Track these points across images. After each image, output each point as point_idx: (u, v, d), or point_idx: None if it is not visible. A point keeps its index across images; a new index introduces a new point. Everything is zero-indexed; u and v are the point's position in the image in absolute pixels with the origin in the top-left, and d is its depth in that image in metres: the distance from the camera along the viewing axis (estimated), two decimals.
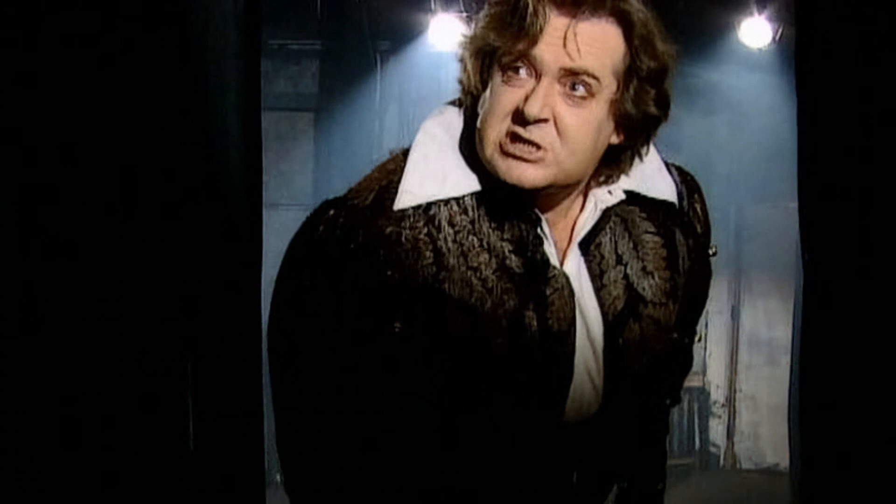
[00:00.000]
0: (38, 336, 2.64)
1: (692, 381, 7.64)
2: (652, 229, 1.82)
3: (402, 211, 1.70)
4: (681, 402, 2.07)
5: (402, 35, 7.06)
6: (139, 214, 2.73)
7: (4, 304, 2.62)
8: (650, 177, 1.83)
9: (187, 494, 2.89)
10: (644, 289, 1.80)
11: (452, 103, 1.78)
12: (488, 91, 1.68)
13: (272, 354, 1.82)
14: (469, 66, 1.70)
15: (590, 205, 1.77)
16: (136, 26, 2.67)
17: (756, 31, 6.72)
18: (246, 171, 3.23)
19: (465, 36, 1.72)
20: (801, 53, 3.34)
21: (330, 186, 7.39)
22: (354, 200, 1.72)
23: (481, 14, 1.70)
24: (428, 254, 1.70)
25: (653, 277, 1.81)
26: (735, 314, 7.70)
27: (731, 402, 7.70)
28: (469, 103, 1.72)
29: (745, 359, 7.70)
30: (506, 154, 1.66)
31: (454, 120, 1.76)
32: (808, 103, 3.31)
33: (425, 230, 1.70)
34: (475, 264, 1.71)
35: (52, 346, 2.66)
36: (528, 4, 1.61)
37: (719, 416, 7.72)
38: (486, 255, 1.71)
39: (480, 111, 1.68)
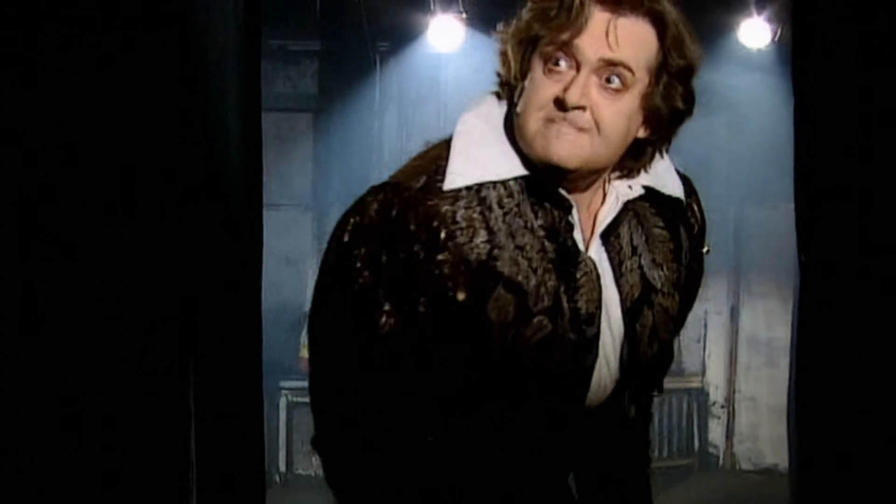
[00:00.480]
0: (38, 336, 2.64)
1: (691, 382, 7.63)
2: (661, 224, 1.96)
3: (456, 192, 1.82)
4: (663, 392, 2.17)
5: (401, 36, 7.06)
6: (139, 214, 2.73)
7: (4, 304, 2.62)
8: (662, 175, 1.95)
9: (188, 494, 2.89)
10: (654, 279, 1.94)
11: (489, 94, 1.89)
12: (527, 81, 1.80)
13: (322, 333, 1.90)
14: (511, 57, 1.82)
15: (611, 197, 1.90)
16: (136, 26, 2.67)
17: (755, 32, 6.73)
18: (246, 172, 3.23)
19: (505, 31, 1.84)
20: (798, 54, 3.35)
21: (329, 187, 7.40)
22: (405, 184, 1.83)
23: (524, 9, 1.81)
24: (482, 232, 1.82)
25: (662, 269, 1.95)
26: (734, 315, 7.70)
27: (730, 403, 7.69)
28: (507, 94, 1.85)
29: (744, 359, 7.69)
30: (545, 136, 1.78)
31: (493, 110, 1.87)
32: (805, 103, 3.31)
33: (478, 209, 1.82)
34: (521, 244, 1.83)
35: (52, 346, 2.66)
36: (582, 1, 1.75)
37: (718, 417, 7.71)
38: (530, 236, 1.84)
39: (519, 100, 1.81)
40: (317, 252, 7.65)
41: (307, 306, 8.69)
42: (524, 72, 1.81)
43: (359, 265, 1.80)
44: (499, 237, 1.82)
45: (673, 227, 1.97)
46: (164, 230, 2.78)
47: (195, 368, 2.93)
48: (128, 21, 2.66)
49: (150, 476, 2.78)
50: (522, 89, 1.80)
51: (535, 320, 1.82)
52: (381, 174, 7.93)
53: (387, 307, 1.81)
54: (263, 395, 3.42)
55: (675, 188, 1.97)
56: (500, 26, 1.85)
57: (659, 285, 1.94)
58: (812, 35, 3.29)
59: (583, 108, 1.76)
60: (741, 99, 6.87)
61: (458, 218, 1.81)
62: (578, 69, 1.76)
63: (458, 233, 1.81)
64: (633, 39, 1.77)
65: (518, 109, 1.81)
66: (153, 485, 2.78)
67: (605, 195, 1.90)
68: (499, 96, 1.87)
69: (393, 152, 7.51)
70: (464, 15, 6.65)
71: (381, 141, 7.40)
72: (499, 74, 1.85)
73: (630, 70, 1.77)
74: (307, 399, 6.95)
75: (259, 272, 3.27)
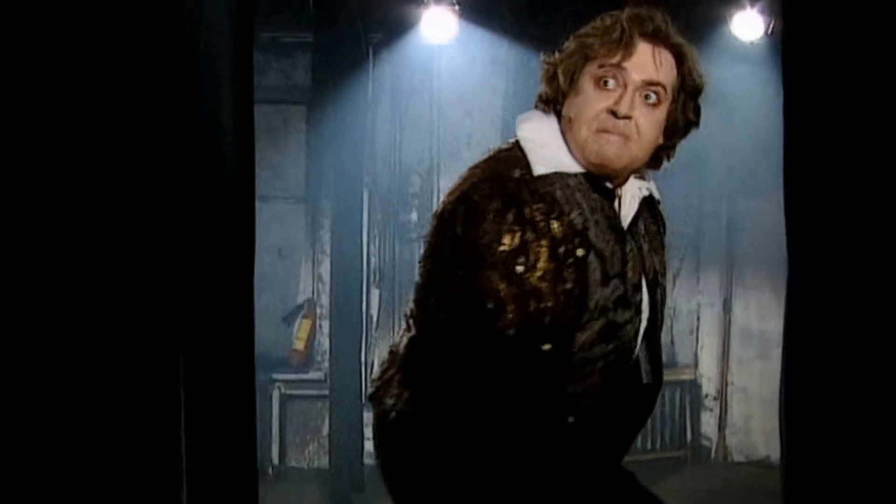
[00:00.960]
0: (38, 336, 2.64)
1: (684, 374, 7.64)
2: (651, 220, 2.45)
3: (547, 177, 2.26)
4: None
5: (394, 28, 7.03)
6: (138, 213, 2.73)
7: (4, 304, 2.61)
8: (651, 181, 2.44)
9: (178, 487, 2.89)
10: (656, 263, 2.41)
11: (533, 111, 2.37)
12: (578, 97, 2.28)
13: (448, 312, 2.23)
14: (560, 78, 2.30)
15: (628, 196, 2.36)
16: (136, 26, 2.67)
17: (748, 24, 6.72)
18: (239, 165, 3.22)
19: (552, 59, 2.33)
20: (788, 47, 3.35)
21: (322, 178, 7.37)
22: (506, 174, 2.25)
23: (570, 41, 2.32)
24: (576, 207, 2.26)
25: (657, 254, 2.43)
26: (727, 307, 7.69)
27: (722, 395, 7.69)
28: (552, 108, 2.33)
29: (736, 352, 7.69)
30: (597, 142, 2.26)
31: (543, 122, 2.34)
32: (795, 97, 3.32)
33: (568, 191, 2.27)
34: (597, 220, 2.28)
35: (52, 346, 2.65)
36: (625, 30, 2.26)
37: (711, 409, 7.71)
38: (600, 215, 2.29)
39: (570, 112, 2.29)
40: (309, 244, 7.63)
41: (300, 298, 8.64)
42: (574, 89, 2.29)
43: (484, 240, 2.19)
44: (585, 213, 2.26)
45: (657, 223, 2.47)
46: (162, 226, 2.78)
47: (186, 361, 2.93)
48: (127, 21, 2.66)
49: (140, 468, 2.78)
50: (573, 105, 2.28)
51: (612, 283, 2.27)
52: (375, 166, 7.95)
53: (520, 269, 2.19)
54: (255, 387, 3.42)
55: (656, 192, 2.46)
56: (542, 56, 2.35)
57: (658, 267, 2.42)
58: (803, 28, 3.30)
59: (629, 118, 2.24)
60: (734, 91, 6.86)
61: (558, 196, 2.25)
62: (625, 87, 2.25)
63: (564, 207, 2.24)
64: (666, 65, 2.28)
65: (572, 117, 2.29)
66: (143, 477, 2.78)
67: (620, 195, 2.35)
68: (543, 111, 2.35)
69: (386, 144, 7.50)
70: (457, 7, 6.64)
71: (374, 132, 7.38)
72: (543, 93, 2.35)
73: (664, 89, 2.28)
74: (300, 391, 7.06)
75: (252, 265, 3.27)
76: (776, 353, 5.70)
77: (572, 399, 2.27)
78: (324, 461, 7.16)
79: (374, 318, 7.49)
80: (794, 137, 3.36)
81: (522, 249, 2.18)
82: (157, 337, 2.80)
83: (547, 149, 2.30)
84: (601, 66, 2.25)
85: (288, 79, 7.56)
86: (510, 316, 2.18)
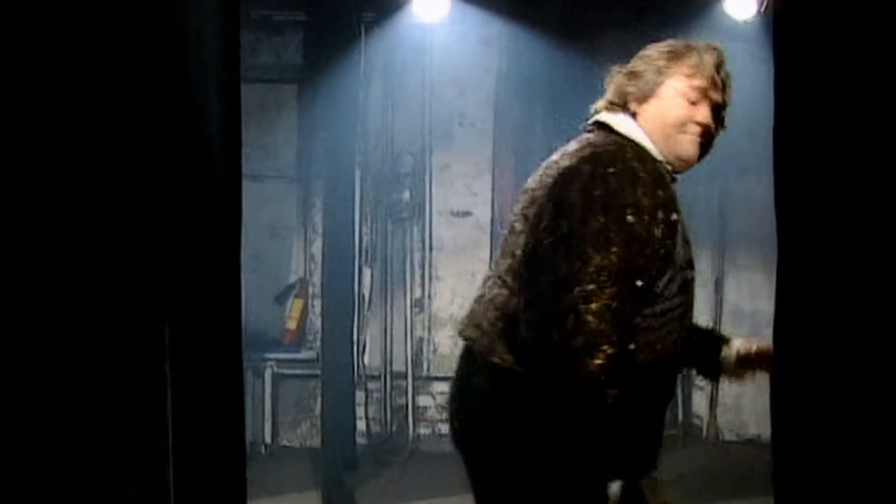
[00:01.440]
0: (38, 336, 2.63)
1: None
2: None
3: (652, 156, 2.85)
4: None
5: (386, 6, 7.01)
6: (138, 213, 2.71)
7: (4, 304, 2.60)
8: None
9: (167, 463, 2.88)
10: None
11: (611, 111, 2.99)
12: (663, 104, 2.94)
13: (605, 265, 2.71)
14: (645, 86, 2.95)
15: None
16: (136, 26, 2.65)
17: (741, 4, 6.72)
18: (225, 146, 3.20)
19: (625, 71, 2.99)
20: (780, 27, 3.34)
21: (314, 158, 7.36)
22: (624, 153, 2.81)
23: (646, 60, 2.99)
24: (670, 182, 2.85)
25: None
26: (719, 287, 7.71)
27: None
28: (628, 109, 2.96)
29: (728, 331, 7.68)
30: (678, 141, 2.93)
31: (627, 120, 2.96)
32: (786, 86, 3.30)
33: (663, 169, 2.87)
34: (676, 195, 2.86)
35: (52, 346, 2.64)
36: (707, 61, 3.01)
37: (702, 388, 7.73)
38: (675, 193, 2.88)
39: (654, 113, 2.94)
40: (301, 224, 7.62)
41: (292, 278, 8.60)
42: (657, 97, 2.93)
43: (602, 193, 2.69)
44: (673, 186, 2.85)
45: None
46: (152, 216, 2.76)
47: (173, 345, 2.91)
48: (127, 21, 2.64)
49: (126, 452, 2.76)
50: (657, 107, 2.92)
51: (686, 246, 2.83)
52: (367, 145, 7.90)
53: (630, 219, 2.69)
54: (244, 367, 3.41)
55: None
56: (616, 67, 3.01)
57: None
58: (796, 10, 3.28)
59: (709, 126, 2.96)
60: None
61: (662, 172, 2.84)
62: (704, 103, 2.95)
63: (666, 181, 2.81)
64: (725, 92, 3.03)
65: (654, 117, 2.92)
66: (129, 460, 2.77)
67: None
68: (611, 111, 2.97)
69: (378, 123, 7.48)
70: None
71: (366, 111, 7.37)
72: (620, 97, 2.96)
73: (725, 107, 3.02)
74: (292, 371, 7.04)
75: (238, 249, 3.25)
76: (767, 333, 5.68)
77: (654, 347, 2.78)
78: (316, 440, 7.17)
79: (366, 298, 7.49)
80: (784, 117, 3.34)
81: (633, 205, 2.70)
82: (142, 322, 2.79)
83: (642, 137, 2.90)
84: (690, 86, 2.96)
85: (279, 57, 7.54)
86: (615, 248, 2.66)
